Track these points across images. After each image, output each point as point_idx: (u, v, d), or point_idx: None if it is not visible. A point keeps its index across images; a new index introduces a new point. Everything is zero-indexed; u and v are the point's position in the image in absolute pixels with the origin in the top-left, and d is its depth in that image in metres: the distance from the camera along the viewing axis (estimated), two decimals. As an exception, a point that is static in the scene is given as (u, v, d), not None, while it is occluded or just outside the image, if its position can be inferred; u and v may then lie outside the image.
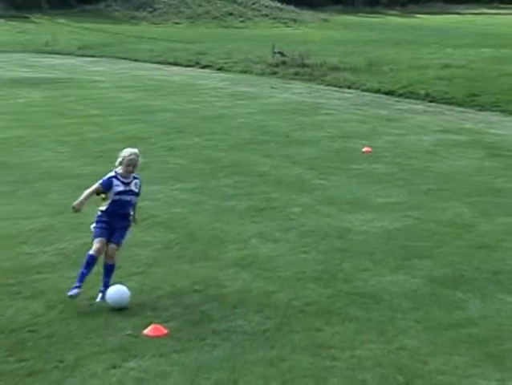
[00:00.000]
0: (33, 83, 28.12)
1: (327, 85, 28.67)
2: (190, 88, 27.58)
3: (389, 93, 26.38)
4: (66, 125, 19.57)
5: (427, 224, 11.64)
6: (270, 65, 33.18)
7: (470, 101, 24.26)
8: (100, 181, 8.66)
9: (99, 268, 8.66)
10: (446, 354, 7.53)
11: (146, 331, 7.85)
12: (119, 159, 8.65)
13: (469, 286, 9.25)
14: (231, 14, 68.11)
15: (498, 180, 14.50)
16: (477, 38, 47.18)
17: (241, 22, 65.87)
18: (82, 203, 8.57)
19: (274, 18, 68.00)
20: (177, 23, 63.71)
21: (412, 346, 7.67)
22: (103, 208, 8.66)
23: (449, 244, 10.79)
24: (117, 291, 8.43)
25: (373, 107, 23.52)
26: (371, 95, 26.24)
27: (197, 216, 11.93)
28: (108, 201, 8.63)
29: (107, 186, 8.60)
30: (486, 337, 7.92)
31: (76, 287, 8.41)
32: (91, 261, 8.50)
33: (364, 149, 16.87)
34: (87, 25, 56.61)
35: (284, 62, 33.20)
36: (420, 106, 24.04)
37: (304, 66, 32.04)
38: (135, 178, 8.77)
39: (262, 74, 31.79)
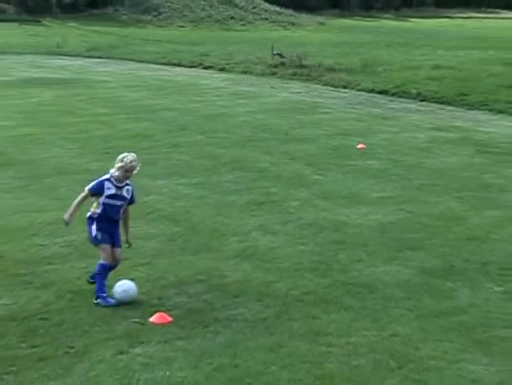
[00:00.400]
0: (44, 83, 28.08)
1: (324, 85, 28.63)
2: (193, 88, 27.55)
3: (383, 92, 26.35)
4: (75, 123, 19.55)
5: (419, 218, 11.64)
6: (270, 66, 33.14)
7: (460, 100, 24.24)
8: (89, 187, 8.31)
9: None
10: (437, 340, 7.54)
11: (152, 319, 7.86)
12: (121, 163, 8.33)
13: (458, 276, 9.26)
14: (232, 18, 68.04)
15: (487, 176, 14.50)
16: (466, 41, 47.15)
17: (242, 25, 65.79)
18: (71, 216, 8.26)
19: (274, 22, 67.92)
20: (181, 26, 63.63)
21: (405, 333, 7.67)
22: (98, 210, 8.31)
23: (440, 236, 10.79)
24: (125, 286, 8.37)
25: (368, 106, 23.49)
26: (365, 95, 26.21)
27: (200, 210, 11.92)
28: (100, 206, 8.29)
29: (97, 190, 8.25)
30: (474, 324, 7.93)
31: (108, 297, 8.21)
32: (107, 270, 8.29)
33: (359, 146, 16.86)
34: (95, 28, 56.54)
35: (283, 63, 33.16)
36: (412, 105, 24.02)
37: (302, 66, 32.00)
38: (127, 184, 8.47)
39: (262, 74, 31.75)
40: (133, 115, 21.13)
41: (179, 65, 35.80)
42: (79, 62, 37.22)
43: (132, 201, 8.62)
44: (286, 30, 63.23)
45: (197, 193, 12.92)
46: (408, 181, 13.95)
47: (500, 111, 22.52)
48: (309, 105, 23.51)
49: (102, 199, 8.28)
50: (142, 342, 7.40)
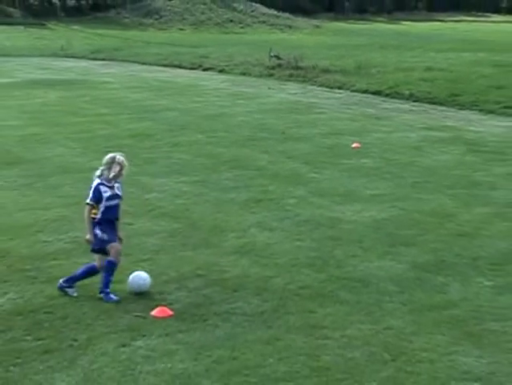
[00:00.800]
0: (49, 84, 28.04)
1: (320, 86, 28.60)
2: (193, 89, 27.51)
3: (377, 93, 26.31)
4: (78, 123, 19.51)
5: (412, 214, 11.62)
6: (267, 67, 33.11)
7: (451, 101, 24.21)
8: (88, 200, 8.17)
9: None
10: (429, 333, 7.53)
11: (153, 313, 7.84)
12: (115, 163, 8.18)
13: (450, 271, 9.24)
14: (231, 21, 68.01)
15: (477, 174, 14.49)
16: (457, 44, 47.11)
17: (241, 28, 65.76)
18: (91, 233, 8.18)
19: (271, 25, 67.90)
20: (182, 29, 63.59)
21: (398, 326, 7.66)
22: (98, 216, 8.19)
23: (432, 232, 10.78)
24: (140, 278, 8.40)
25: (362, 107, 23.47)
26: (359, 95, 26.17)
27: (200, 207, 11.90)
28: (101, 210, 8.19)
29: (98, 198, 8.16)
30: (466, 317, 7.91)
31: (111, 293, 8.20)
32: (115, 267, 8.26)
33: (354, 145, 16.84)
34: (99, 31, 56.50)
35: (280, 65, 33.12)
36: (405, 105, 23.98)
37: (298, 68, 31.97)
38: (116, 182, 8.35)
39: (260, 75, 31.71)
40: (135, 115, 21.10)
41: (180, 67, 35.76)
42: (83, 64, 37.18)
43: (121, 197, 8.51)
44: (283, 32, 63.17)
45: (196, 191, 12.90)
46: (401, 179, 13.94)
47: (490, 111, 22.51)
48: (305, 105, 23.48)
49: (103, 202, 8.20)
50: (144, 335, 7.38)
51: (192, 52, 40.89)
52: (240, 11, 71.47)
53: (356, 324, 7.71)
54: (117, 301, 8.12)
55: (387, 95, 25.89)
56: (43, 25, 60.64)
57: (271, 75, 31.55)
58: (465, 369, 6.85)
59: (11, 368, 6.77)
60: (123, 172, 8.29)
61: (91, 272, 8.40)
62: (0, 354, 7.02)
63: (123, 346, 7.18)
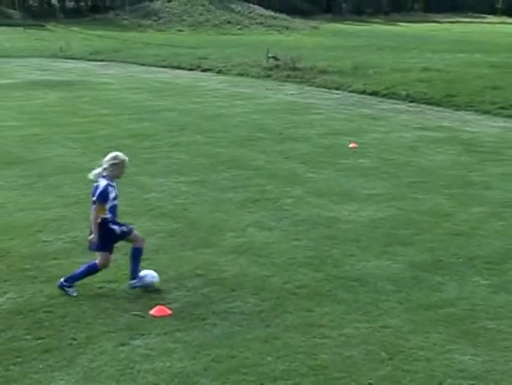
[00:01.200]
0: (49, 85, 28.01)
1: (317, 87, 28.58)
2: (192, 90, 27.50)
3: (373, 94, 26.30)
4: (78, 123, 19.50)
5: (408, 214, 11.63)
6: (265, 68, 33.09)
7: (447, 101, 24.20)
8: (100, 201, 8.05)
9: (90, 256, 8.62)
10: (426, 332, 7.53)
11: (152, 312, 7.84)
12: (115, 161, 8.15)
13: (446, 270, 9.25)
14: (229, 22, 67.95)
15: (473, 174, 14.49)
16: (453, 45, 47.14)
17: (239, 29, 65.71)
18: (97, 232, 8.16)
19: (269, 26, 67.84)
20: (180, 30, 63.53)
21: (395, 325, 7.66)
22: (108, 215, 8.17)
23: (429, 232, 10.78)
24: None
25: (359, 107, 23.47)
26: (357, 96, 26.17)
27: (199, 207, 11.90)
28: (107, 209, 8.17)
29: (106, 199, 8.09)
30: (462, 316, 7.92)
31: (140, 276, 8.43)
32: (141, 254, 8.50)
33: (351, 145, 16.84)
34: (98, 32, 56.45)
35: (278, 66, 33.09)
36: (401, 106, 23.98)
37: (296, 69, 31.94)
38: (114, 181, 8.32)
39: (258, 76, 31.70)
40: (135, 115, 21.08)
41: (178, 68, 35.71)
42: (83, 65, 37.14)
43: None
44: (280, 34, 63.12)
45: (195, 191, 12.89)
46: (397, 179, 13.94)
47: (486, 112, 22.50)
48: (302, 106, 23.48)
49: (110, 202, 8.16)
50: (142, 334, 7.38)
51: (190, 53, 40.86)
52: (238, 12, 71.44)
53: (354, 323, 7.71)
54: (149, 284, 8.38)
55: (384, 96, 25.87)
56: (43, 26, 60.55)
57: (269, 76, 31.53)
58: (461, 367, 6.85)
59: (11, 367, 6.77)
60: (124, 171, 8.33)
61: (92, 270, 8.40)
62: (0, 353, 7.02)
63: (122, 344, 7.18)
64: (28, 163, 14.92)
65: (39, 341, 7.23)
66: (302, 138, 17.85)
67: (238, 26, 66.86)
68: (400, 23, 79.09)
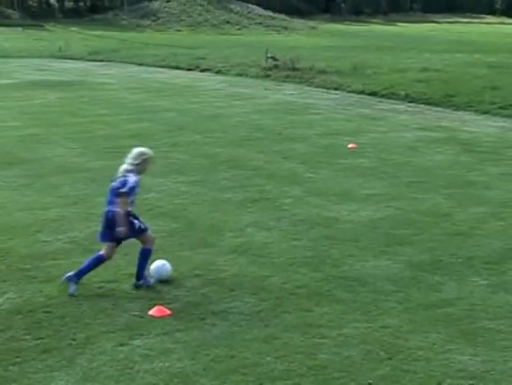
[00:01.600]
0: (48, 85, 27.99)
1: (316, 87, 28.57)
2: (191, 90, 27.49)
3: (372, 94, 26.29)
4: (77, 124, 19.49)
5: (407, 214, 11.62)
6: (264, 68, 33.07)
7: (446, 101, 24.20)
8: (127, 195, 8.12)
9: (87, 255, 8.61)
10: (425, 331, 7.53)
11: (151, 312, 7.83)
12: (144, 156, 8.23)
13: (445, 270, 9.24)
14: (228, 23, 67.93)
15: (472, 174, 14.49)
16: (452, 45, 47.14)
17: (238, 29, 65.70)
18: (127, 223, 8.26)
19: (267, 26, 67.82)
20: (179, 31, 63.50)
21: (394, 325, 7.66)
22: (130, 208, 8.31)
23: (428, 231, 10.78)
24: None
25: (358, 107, 23.46)
26: (355, 96, 26.16)
27: (198, 207, 11.89)
28: (130, 203, 8.29)
29: (132, 191, 8.20)
30: (461, 316, 7.92)
31: (146, 276, 8.50)
32: (151, 255, 8.57)
33: (350, 145, 16.83)
34: (97, 32, 56.41)
35: (276, 66, 33.08)
36: (400, 106, 23.98)
37: (295, 69, 31.93)
38: None
39: (257, 77, 31.69)
40: (134, 115, 21.08)
41: (177, 68, 35.69)
42: (82, 65, 37.12)
43: None
44: (279, 34, 63.11)
45: (194, 191, 12.89)
46: (396, 179, 13.94)
47: (484, 112, 22.50)
48: (301, 106, 23.48)
49: (132, 196, 8.27)
50: (142, 334, 7.37)
51: (189, 53, 40.85)
52: (236, 13, 71.41)
53: (353, 323, 7.70)
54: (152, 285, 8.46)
55: (382, 96, 25.87)
56: (41, 26, 60.50)
57: (268, 76, 31.52)
58: (460, 367, 6.85)
59: (10, 367, 6.76)
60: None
61: (98, 262, 8.44)
62: (-1, 353, 7.02)
63: (122, 345, 7.17)
64: (27, 163, 14.92)
65: (38, 341, 7.23)
66: (300, 138, 17.84)
67: (237, 27, 66.84)
68: (399, 23, 79.07)
